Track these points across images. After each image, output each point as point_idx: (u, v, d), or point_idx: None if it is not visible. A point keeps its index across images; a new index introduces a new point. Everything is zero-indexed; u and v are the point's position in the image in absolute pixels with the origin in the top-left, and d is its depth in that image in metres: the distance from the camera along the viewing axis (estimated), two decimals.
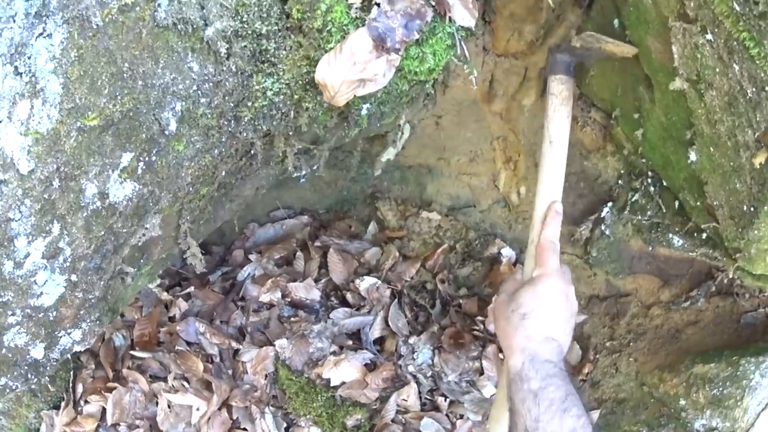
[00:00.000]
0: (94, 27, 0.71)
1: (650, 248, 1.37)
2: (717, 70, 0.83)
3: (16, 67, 0.69)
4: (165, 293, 1.49)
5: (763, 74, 0.73)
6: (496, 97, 1.30)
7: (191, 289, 1.49)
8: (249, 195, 1.08)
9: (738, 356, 1.32)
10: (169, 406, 1.34)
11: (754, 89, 0.77)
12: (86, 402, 1.40)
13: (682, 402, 1.35)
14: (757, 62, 0.73)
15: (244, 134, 0.89)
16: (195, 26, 0.79)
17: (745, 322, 1.49)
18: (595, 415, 1.37)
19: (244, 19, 0.82)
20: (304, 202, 1.51)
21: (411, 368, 1.25)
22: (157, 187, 0.85)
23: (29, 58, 0.69)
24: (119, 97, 0.75)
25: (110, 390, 1.37)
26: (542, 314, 0.91)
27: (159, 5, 0.76)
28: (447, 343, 1.26)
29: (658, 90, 1.03)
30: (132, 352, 1.40)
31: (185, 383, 1.37)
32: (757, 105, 0.78)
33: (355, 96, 0.88)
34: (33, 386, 1.32)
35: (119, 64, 0.75)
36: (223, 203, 1.03)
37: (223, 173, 0.94)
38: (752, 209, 0.93)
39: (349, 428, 1.23)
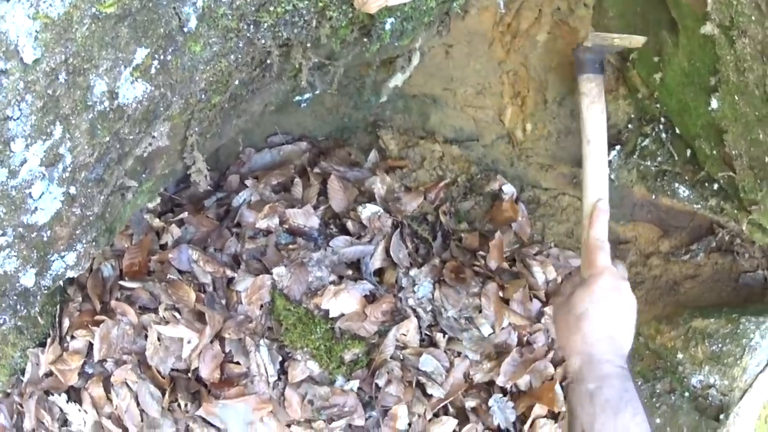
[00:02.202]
0: None
1: (653, 197, 1.37)
2: (753, 18, 0.84)
3: None
4: (157, 219, 1.41)
5: None
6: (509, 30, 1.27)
7: (184, 215, 1.41)
8: (256, 111, 1.03)
9: (738, 314, 1.35)
10: (158, 339, 1.30)
11: None
12: (72, 337, 1.33)
13: (680, 356, 1.36)
14: None
15: (263, 41, 0.84)
16: None
17: (743, 282, 1.51)
18: None
19: None
20: (303, 129, 1.46)
21: (411, 301, 1.24)
22: (170, 90, 0.79)
23: None
24: None
25: (97, 324, 1.31)
26: (597, 314, 0.93)
27: None
28: (448, 276, 1.25)
29: (683, 34, 1.02)
30: (121, 283, 1.34)
31: (176, 314, 1.32)
32: None
33: (386, 6, 0.84)
34: (20, 322, 1.26)
35: None
36: (231, 117, 0.98)
37: (237, 82, 0.88)
38: None
39: (347, 363, 1.22)
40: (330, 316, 1.24)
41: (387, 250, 1.28)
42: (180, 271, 1.36)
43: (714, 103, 1.02)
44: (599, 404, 0.84)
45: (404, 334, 1.23)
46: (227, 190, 1.47)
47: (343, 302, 1.23)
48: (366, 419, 1.23)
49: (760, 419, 1.37)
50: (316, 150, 1.45)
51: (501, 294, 1.31)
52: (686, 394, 1.36)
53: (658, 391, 1.38)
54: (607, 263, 0.98)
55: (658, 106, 1.22)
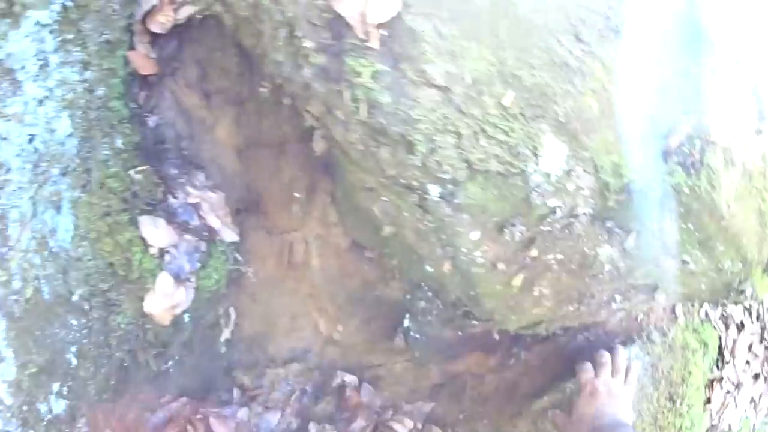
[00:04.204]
0: None
1: (460, 333, 1.98)
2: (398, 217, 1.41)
3: None
4: None
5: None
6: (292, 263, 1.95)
7: None
8: None
9: (564, 381, 1.81)
10: None
11: None
12: None
13: None
14: None
15: (117, 355, 1.47)
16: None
17: (570, 351, 2.04)
18: None
19: None
20: (180, 388, 1.96)
21: None
22: None
23: None
24: None
25: None
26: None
27: None
28: None
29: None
30: None
31: None
32: None
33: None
34: None
35: None
36: None
37: None
38: None
39: None
40: None
41: None
42: None
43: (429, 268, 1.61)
44: None
45: None
46: None
47: None
48: None
49: None
50: (194, 401, 1.99)
51: None
52: None
53: None
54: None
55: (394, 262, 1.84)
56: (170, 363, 1.91)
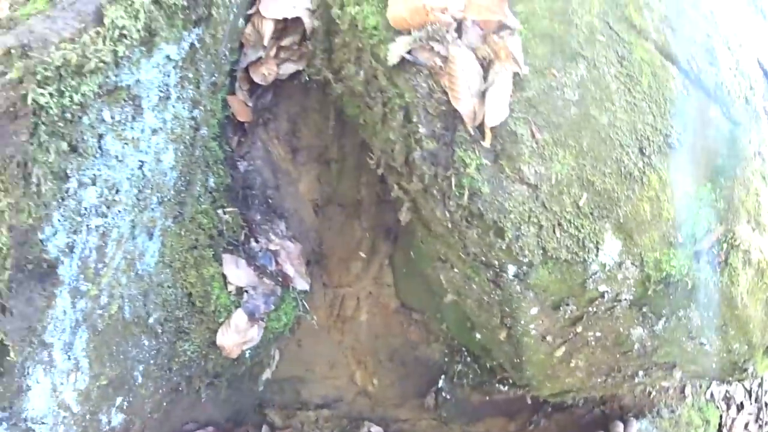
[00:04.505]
0: None
1: (487, 398, 2.16)
2: (465, 288, 1.59)
3: None
4: None
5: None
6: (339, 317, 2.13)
7: None
8: None
9: None
10: None
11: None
12: None
13: None
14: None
15: (175, 378, 1.61)
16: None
17: (587, 421, 2.23)
18: None
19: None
20: (208, 416, 2.12)
21: None
22: None
23: None
24: None
25: None
26: None
27: None
28: None
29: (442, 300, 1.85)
30: None
31: None
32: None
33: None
34: None
35: None
36: None
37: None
38: None
39: None
40: None
41: None
42: None
43: (478, 335, 1.81)
44: None
45: None
46: None
47: None
48: None
49: None
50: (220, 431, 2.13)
51: None
52: None
53: None
54: None
55: (455, 342, 2.05)
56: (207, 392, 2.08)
